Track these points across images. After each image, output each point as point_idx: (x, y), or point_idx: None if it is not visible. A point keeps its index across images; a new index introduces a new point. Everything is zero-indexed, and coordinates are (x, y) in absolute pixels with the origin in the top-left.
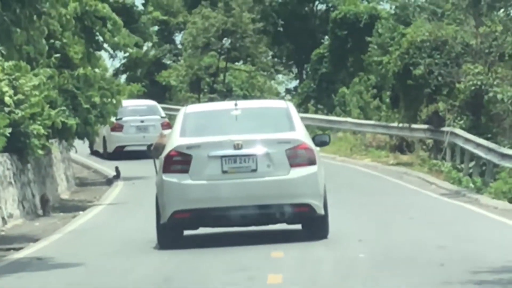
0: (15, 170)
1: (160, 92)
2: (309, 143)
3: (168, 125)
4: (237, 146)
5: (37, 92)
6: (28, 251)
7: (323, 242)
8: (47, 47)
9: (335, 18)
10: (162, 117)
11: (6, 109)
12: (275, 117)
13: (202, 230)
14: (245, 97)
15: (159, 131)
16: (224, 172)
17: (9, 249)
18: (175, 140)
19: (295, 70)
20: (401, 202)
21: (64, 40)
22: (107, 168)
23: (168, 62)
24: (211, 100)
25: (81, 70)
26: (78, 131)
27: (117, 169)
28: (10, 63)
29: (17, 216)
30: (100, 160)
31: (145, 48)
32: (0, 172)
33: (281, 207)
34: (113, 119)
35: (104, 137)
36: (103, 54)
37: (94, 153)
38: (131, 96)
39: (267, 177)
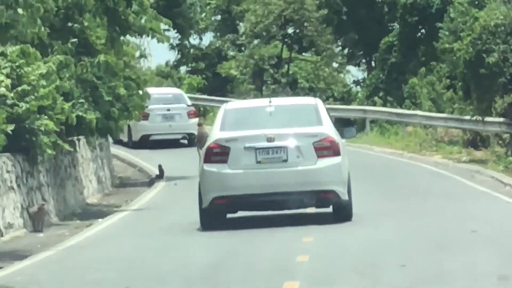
0: (20, 173)
1: (221, 85)
2: (335, 136)
3: (195, 114)
4: (270, 139)
5: (44, 82)
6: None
7: (355, 265)
8: (42, 29)
9: (405, 3)
10: (188, 106)
11: (9, 102)
12: (305, 113)
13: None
14: (310, 89)
15: (185, 120)
16: (258, 162)
17: None
18: (216, 134)
19: (361, 59)
20: (466, 209)
21: (85, 23)
22: (154, 166)
23: (232, 53)
24: (274, 92)
25: (102, 57)
26: (99, 127)
27: (160, 167)
28: (14, 48)
29: (19, 226)
30: (145, 157)
31: (209, 39)
32: None
33: (309, 194)
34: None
35: (129, 126)
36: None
37: (117, 142)
38: (192, 89)
39: (297, 167)
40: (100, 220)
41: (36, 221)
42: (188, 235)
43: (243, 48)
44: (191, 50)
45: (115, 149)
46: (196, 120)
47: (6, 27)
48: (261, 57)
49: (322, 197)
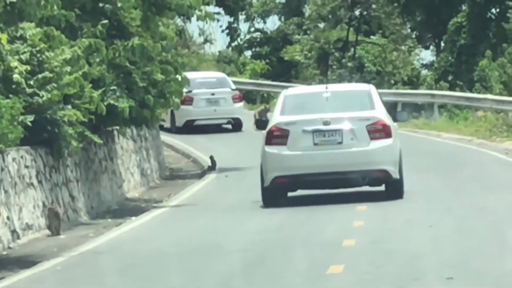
0: (42, 168)
1: (285, 70)
2: (386, 119)
3: (240, 98)
4: (326, 123)
5: (68, 69)
6: None
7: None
8: (54, 8)
9: None
10: (232, 90)
11: (29, 91)
12: (359, 98)
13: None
14: (378, 73)
15: (230, 104)
16: (315, 144)
17: None
18: (276, 117)
19: (430, 42)
20: None
21: (118, 4)
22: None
23: (297, 37)
24: (340, 76)
25: (135, 40)
26: (133, 116)
27: (212, 158)
28: (36, 31)
29: (39, 227)
30: (200, 146)
31: (273, 22)
32: (13, 171)
33: (363, 173)
34: (177, 99)
35: (172, 111)
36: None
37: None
38: (255, 75)
39: (351, 148)
40: (133, 218)
41: (51, 224)
42: (226, 235)
43: (308, 32)
44: (253, 35)
45: (170, 138)
46: (241, 104)
47: (12, 6)
48: (327, 40)
49: (374, 176)
